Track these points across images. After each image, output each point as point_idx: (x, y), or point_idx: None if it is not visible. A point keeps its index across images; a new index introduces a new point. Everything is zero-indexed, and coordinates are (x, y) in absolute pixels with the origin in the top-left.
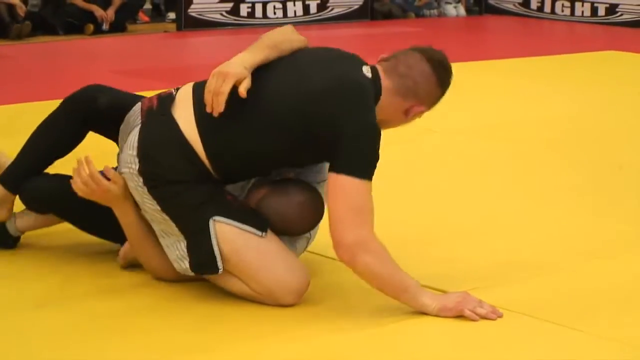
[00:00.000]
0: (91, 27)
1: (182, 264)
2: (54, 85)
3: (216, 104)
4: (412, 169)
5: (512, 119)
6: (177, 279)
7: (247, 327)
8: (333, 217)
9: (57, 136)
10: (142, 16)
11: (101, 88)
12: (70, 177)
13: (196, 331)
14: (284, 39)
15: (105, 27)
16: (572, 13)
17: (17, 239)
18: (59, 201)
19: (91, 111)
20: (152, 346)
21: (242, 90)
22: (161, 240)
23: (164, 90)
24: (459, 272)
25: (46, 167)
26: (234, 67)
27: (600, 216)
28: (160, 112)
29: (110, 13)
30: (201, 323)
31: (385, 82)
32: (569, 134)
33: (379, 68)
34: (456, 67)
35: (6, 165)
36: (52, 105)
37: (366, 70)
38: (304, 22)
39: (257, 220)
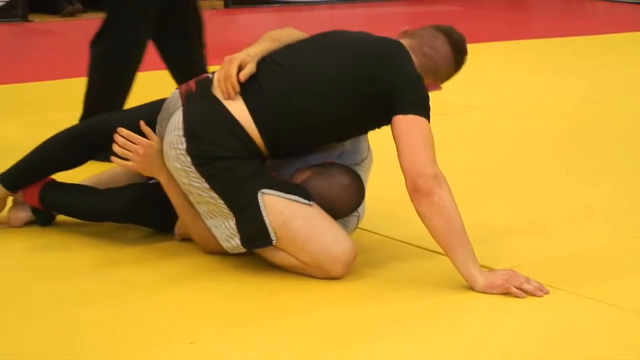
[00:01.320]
0: None
1: (233, 242)
2: None
3: (228, 87)
4: (453, 145)
5: (552, 97)
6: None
7: (293, 299)
8: (411, 149)
9: (65, 159)
10: None
11: (117, 118)
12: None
13: (241, 303)
14: (283, 33)
15: None
16: None
17: (54, 216)
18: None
19: (107, 142)
20: (196, 318)
21: (242, 76)
22: (207, 222)
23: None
24: (501, 250)
25: (45, 177)
26: (238, 54)
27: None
28: (202, 93)
29: None
30: (246, 295)
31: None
32: (608, 113)
33: (404, 43)
34: (498, 46)
35: None
36: None
37: None
38: (350, 0)
39: (303, 191)
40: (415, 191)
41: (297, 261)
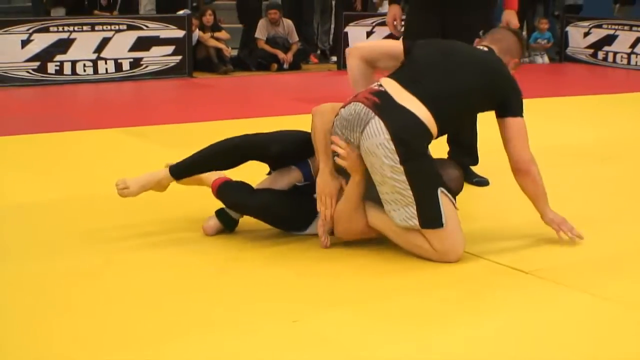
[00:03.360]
0: (275, 66)
1: (409, 222)
2: (248, 108)
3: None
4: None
5: (580, 140)
6: (360, 238)
7: (378, 284)
8: (518, 142)
9: (222, 162)
10: (312, 58)
11: (276, 138)
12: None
13: (347, 283)
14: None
15: (285, 66)
16: (629, 62)
17: (237, 222)
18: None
19: (260, 157)
20: (298, 299)
21: None
22: (387, 206)
23: (367, 90)
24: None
25: (201, 173)
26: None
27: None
28: (389, 104)
29: (289, 56)
30: (344, 280)
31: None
32: (623, 151)
33: (493, 48)
34: (542, 102)
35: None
36: (245, 123)
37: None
38: None
39: (453, 196)
40: (518, 170)
41: (426, 244)
